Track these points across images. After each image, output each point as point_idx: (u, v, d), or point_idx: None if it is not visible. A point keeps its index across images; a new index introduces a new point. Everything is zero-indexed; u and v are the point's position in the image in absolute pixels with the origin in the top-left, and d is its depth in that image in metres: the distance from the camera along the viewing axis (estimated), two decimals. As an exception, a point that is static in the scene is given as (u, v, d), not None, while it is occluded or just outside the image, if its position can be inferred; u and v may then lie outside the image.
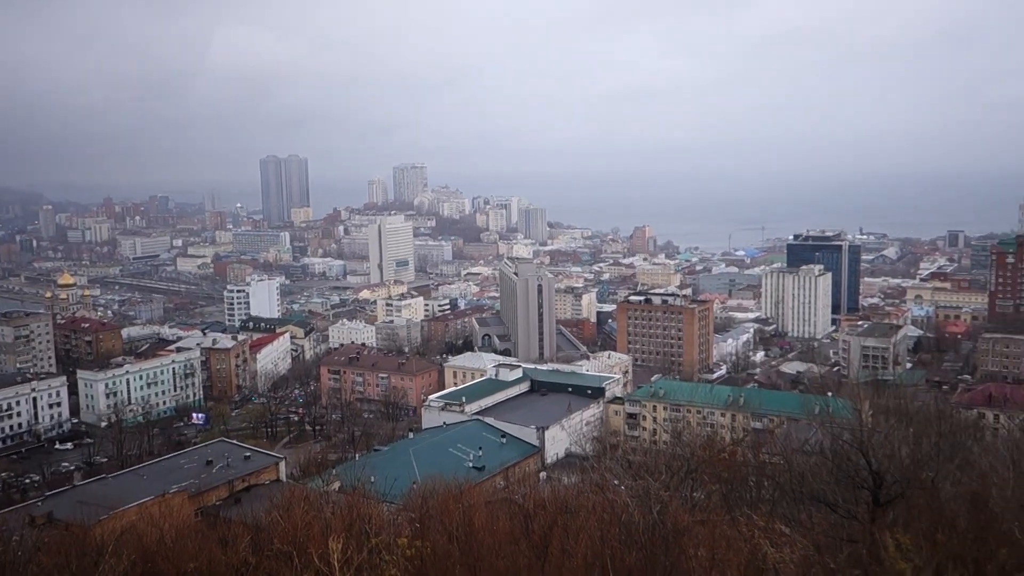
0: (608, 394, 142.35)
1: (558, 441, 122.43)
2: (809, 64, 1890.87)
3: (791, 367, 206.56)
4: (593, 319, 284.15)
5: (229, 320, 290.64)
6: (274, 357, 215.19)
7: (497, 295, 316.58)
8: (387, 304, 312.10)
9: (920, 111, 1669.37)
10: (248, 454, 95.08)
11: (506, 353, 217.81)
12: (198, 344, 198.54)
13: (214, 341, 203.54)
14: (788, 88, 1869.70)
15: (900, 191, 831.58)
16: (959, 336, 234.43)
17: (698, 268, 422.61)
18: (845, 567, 15.19)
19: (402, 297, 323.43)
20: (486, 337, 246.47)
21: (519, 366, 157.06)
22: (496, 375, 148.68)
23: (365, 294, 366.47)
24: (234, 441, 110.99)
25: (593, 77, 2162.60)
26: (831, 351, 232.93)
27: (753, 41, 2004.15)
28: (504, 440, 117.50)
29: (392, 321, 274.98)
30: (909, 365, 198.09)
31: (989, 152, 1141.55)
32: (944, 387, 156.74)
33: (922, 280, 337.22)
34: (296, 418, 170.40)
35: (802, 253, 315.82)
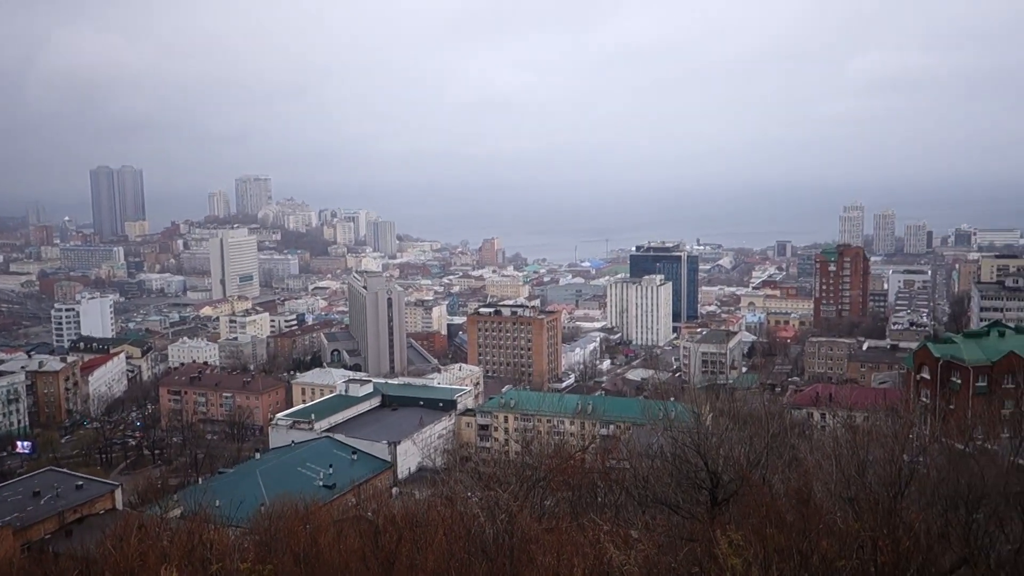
0: (460, 406, 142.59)
1: (410, 455, 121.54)
2: (655, 80, 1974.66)
3: (636, 374, 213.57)
4: (444, 332, 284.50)
5: (57, 341, 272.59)
6: (108, 379, 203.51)
7: (346, 309, 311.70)
8: (231, 321, 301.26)
9: (754, 126, 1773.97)
10: (80, 483, 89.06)
11: (356, 368, 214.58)
12: (23, 367, 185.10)
13: (40, 363, 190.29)
14: (635, 103, 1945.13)
15: (734, 203, 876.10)
16: (788, 340, 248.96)
17: (546, 279, 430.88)
18: (684, 565, 15.82)
19: (246, 313, 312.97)
20: (335, 352, 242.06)
21: (370, 381, 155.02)
22: (346, 391, 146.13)
23: (207, 311, 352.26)
24: (64, 470, 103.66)
25: (447, 88, 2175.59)
26: (673, 358, 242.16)
27: (603, 57, 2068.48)
28: (355, 457, 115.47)
29: (236, 338, 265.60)
30: (744, 369, 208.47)
31: (815, 166, 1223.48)
32: (776, 389, 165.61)
33: (754, 288, 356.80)
34: (134, 443, 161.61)
35: (644, 264, 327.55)
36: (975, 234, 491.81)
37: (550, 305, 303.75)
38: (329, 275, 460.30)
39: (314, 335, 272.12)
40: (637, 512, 29.65)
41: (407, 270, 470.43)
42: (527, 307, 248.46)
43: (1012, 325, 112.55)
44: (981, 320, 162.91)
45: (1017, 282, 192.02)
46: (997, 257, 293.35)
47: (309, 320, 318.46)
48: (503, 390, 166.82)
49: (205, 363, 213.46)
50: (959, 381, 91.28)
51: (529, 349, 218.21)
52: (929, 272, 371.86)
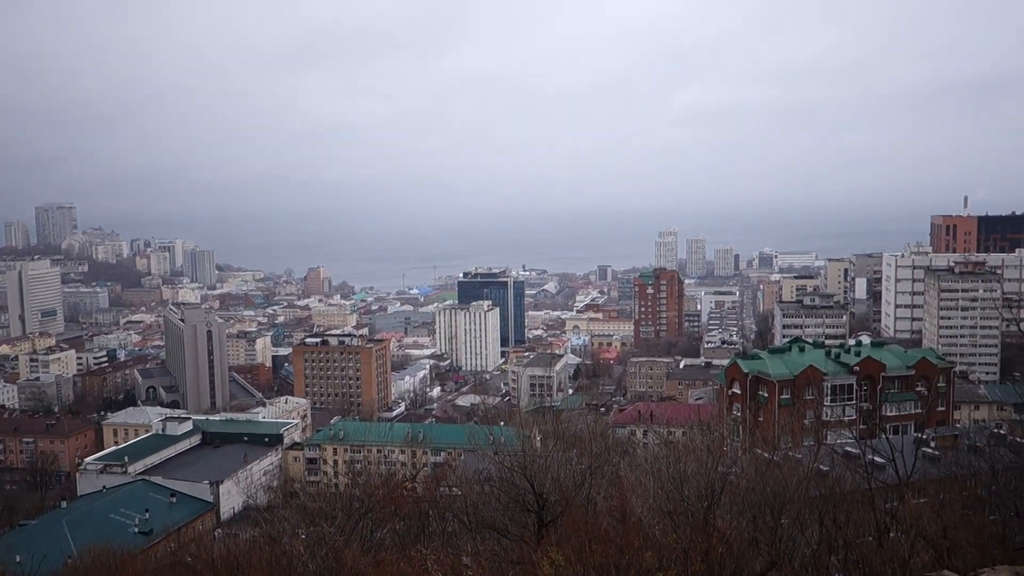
0: (287, 440, 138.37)
1: (234, 495, 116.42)
2: (495, 109, 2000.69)
3: (466, 400, 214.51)
4: (269, 364, 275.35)
5: None
6: None
7: (162, 344, 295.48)
8: (31, 360, 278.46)
9: (585, 155, 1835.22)
10: None
11: (174, 405, 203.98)
12: None
13: None
14: (475, 130, 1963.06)
15: (562, 229, 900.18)
16: (612, 361, 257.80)
17: (374, 308, 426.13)
18: (511, 589, 15.93)
19: (50, 351, 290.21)
20: (151, 389, 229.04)
21: (189, 418, 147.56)
22: (163, 429, 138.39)
23: (4, 349, 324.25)
24: None
25: (285, 114, 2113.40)
26: (502, 382, 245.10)
27: (446, 84, 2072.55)
28: (174, 499, 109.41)
29: (38, 378, 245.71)
30: (571, 391, 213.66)
31: (636, 193, 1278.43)
32: (601, 409, 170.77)
33: (578, 312, 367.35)
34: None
35: (472, 290, 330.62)
36: (777, 257, 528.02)
37: (379, 333, 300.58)
38: (143, 308, 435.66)
39: (127, 372, 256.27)
40: (467, 538, 29.63)
41: (228, 301, 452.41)
42: (355, 336, 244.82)
43: (810, 340, 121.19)
44: (784, 336, 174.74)
45: (814, 301, 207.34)
46: (796, 278, 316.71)
47: (121, 356, 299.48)
48: (332, 422, 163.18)
49: (2, 406, 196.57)
50: (766, 394, 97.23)
51: (358, 379, 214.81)
52: (737, 293, 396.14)
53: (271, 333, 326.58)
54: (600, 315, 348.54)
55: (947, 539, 14.06)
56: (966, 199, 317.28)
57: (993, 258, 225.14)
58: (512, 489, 26.57)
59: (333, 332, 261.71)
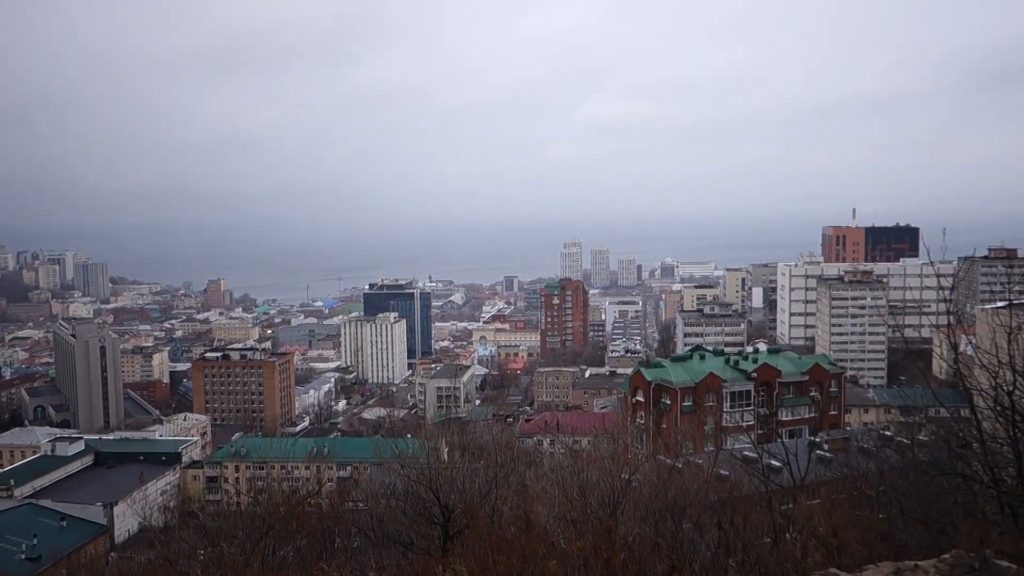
0: (185, 458, 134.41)
1: (129, 517, 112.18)
2: (404, 120, 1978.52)
3: (372, 413, 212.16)
4: (167, 380, 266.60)
5: None
6: None
7: (52, 361, 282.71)
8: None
9: (493, 167, 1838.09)
10: None
11: (65, 425, 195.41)
12: None
13: None
14: (384, 141, 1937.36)
15: (469, 240, 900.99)
16: (518, 372, 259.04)
17: (277, 321, 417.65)
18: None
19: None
20: (39, 409, 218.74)
21: (81, 438, 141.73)
22: (52, 450, 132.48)
23: None
24: None
25: (182, 123, 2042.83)
26: (409, 394, 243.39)
27: (355, 95, 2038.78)
28: (64, 523, 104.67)
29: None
30: (478, 402, 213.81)
31: (542, 204, 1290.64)
32: (508, 419, 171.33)
33: (485, 322, 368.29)
34: None
35: (378, 301, 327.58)
36: (678, 267, 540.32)
37: (282, 347, 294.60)
38: (31, 323, 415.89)
39: (13, 391, 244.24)
40: (372, 553, 29.29)
41: (123, 315, 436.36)
42: (257, 350, 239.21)
43: (711, 348, 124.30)
44: (685, 345, 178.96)
45: (714, 310, 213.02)
46: (697, 288, 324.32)
47: (7, 374, 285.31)
48: (233, 438, 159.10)
49: None
50: (669, 402, 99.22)
51: (260, 394, 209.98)
52: (640, 302, 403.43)
53: (169, 348, 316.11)
54: (507, 326, 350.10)
55: (837, 538, 14.66)
56: (854, 211, 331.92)
57: (879, 267, 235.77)
58: (418, 502, 26.41)
59: (234, 346, 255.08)
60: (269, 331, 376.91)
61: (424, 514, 26.01)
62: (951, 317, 19.06)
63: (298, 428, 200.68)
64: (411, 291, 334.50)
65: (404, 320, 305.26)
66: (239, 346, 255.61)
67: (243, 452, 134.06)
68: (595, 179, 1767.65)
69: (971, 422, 17.31)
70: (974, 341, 19.82)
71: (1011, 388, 15.88)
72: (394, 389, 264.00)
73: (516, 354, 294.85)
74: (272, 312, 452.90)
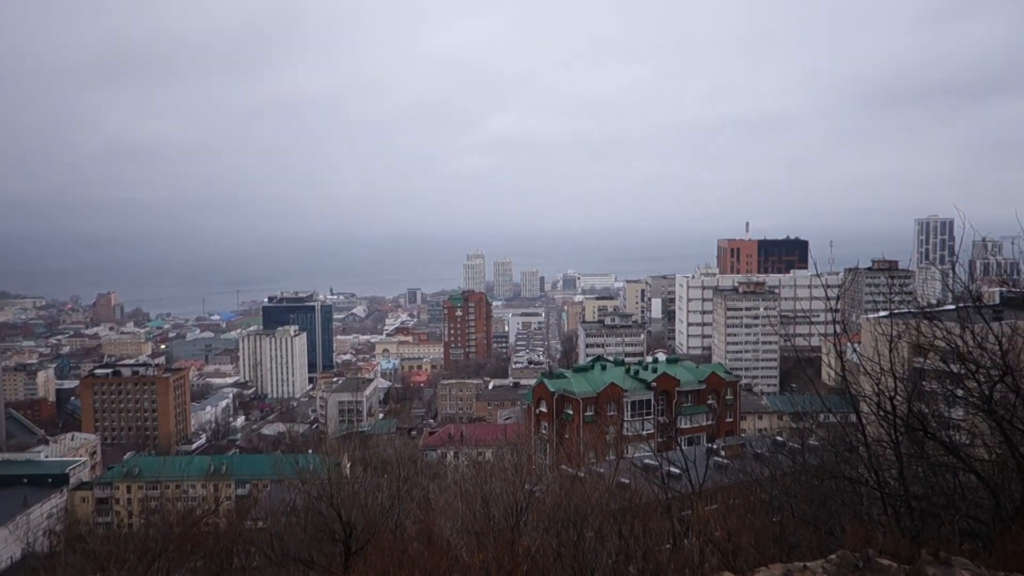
0: (73, 480, 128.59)
1: (11, 543, 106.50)
2: (306, 132, 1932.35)
3: (272, 428, 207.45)
4: (52, 398, 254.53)
5: None
6: None
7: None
8: None
9: (395, 180, 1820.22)
10: None
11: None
12: None
13: None
14: (285, 153, 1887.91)
15: (370, 252, 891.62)
16: (422, 384, 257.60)
17: (171, 335, 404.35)
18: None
19: None
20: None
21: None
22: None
23: None
24: None
25: (73, 131, 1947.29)
26: (310, 409, 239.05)
27: (255, 105, 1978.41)
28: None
29: None
30: (381, 415, 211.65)
31: (445, 216, 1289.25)
32: (412, 432, 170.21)
33: (388, 335, 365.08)
34: None
35: (278, 315, 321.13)
36: (580, 279, 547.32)
37: (177, 362, 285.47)
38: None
39: None
40: (272, 572, 28.63)
41: (4, 331, 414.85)
42: (150, 366, 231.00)
43: (612, 359, 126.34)
44: (587, 355, 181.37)
45: (614, 320, 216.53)
46: (598, 299, 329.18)
47: None
48: (125, 458, 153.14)
49: None
50: (571, 412, 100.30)
51: (154, 411, 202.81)
52: (543, 314, 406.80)
53: (55, 365, 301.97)
54: (410, 338, 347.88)
55: (731, 542, 15.08)
56: (747, 225, 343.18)
57: (772, 279, 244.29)
58: (318, 519, 25.94)
59: (126, 362, 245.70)
60: (163, 346, 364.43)
61: (325, 531, 25.58)
62: (837, 326, 19.88)
63: (194, 446, 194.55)
64: (312, 304, 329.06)
65: (305, 333, 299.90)
66: (131, 362, 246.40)
67: (135, 472, 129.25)
68: (499, 192, 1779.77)
69: (857, 427, 18.06)
70: (858, 349, 20.74)
71: (892, 394, 16.65)
72: (295, 404, 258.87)
73: (420, 366, 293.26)
74: (166, 326, 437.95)
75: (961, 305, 18.53)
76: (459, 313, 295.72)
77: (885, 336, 17.95)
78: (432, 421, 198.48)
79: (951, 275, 20.37)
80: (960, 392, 17.15)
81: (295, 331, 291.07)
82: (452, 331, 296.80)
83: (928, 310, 18.81)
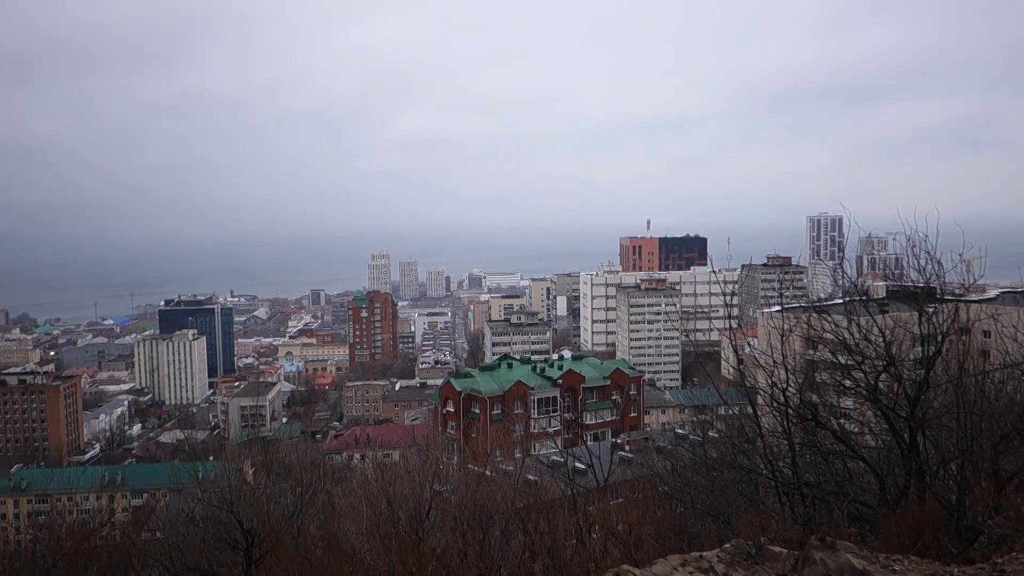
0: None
1: None
2: (208, 131, 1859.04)
3: (171, 436, 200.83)
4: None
5: None
6: None
7: None
8: None
9: (302, 180, 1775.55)
10: None
11: None
12: None
13: None
14: (186, 152, 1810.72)
15: (272, 253, 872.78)
16: (327, 387, 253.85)
17: (61, 341, 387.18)
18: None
19: None
20: None
21: None
22: None
23: None
24: None
25: None
26: (211, 415, 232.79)
27: (160, 103, 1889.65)
28: None
29: None
30: (285, 419, 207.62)
31: (351, 216, 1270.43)
32: (317, 436, 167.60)
33: (291, 338, 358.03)
34: None
35: (175, 318, 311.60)
36: (485, 278, 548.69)
37: (68, 369, 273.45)
38: None
39: None
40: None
41: None
42: (39, 374, 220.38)
43: (518, 357, 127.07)
44: (493, 354, 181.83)
45: (520, 319, 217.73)
46: (504, 298, 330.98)
47: None
48: (12, 471, 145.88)
49: None
50: (478, 411, 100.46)
51: (43, 421, 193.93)
52: (449, 313, 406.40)
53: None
54: (314, 340, 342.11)
55: (633, 535, 15.36)
56: (648, 223, 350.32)
57: (672, 275, 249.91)
58: (219, 528, 25.28)
59: (11, 371, 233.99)
60: (52, 353, 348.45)
61: (226, 540, 24.94)
62: (731, 321, 20.46)
63: (87, 456, 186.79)
64: (211, 307, 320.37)
65: (204, 337, 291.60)
66: (17, 370, 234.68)
67: (23, 485, 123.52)
68: (408, 192, 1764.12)
69: (753, 419, 18.64)
70: (754, 343, 21.39)
71: (785, 386, 17.25)
72: (194, 410, 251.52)
73: (324, 369, 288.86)
74: (56, 332, 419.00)
75: (848, 299, 19.28)
76: (364, 314, 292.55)
77: (778, 330, 18.57)
78: (338, 424, 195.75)
79: (839, 271, 21.18)
80: (848, 383, 17.88)
81: (194, 335, 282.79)
82: (357, 332, 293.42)
83: (818, 304, 19.52)
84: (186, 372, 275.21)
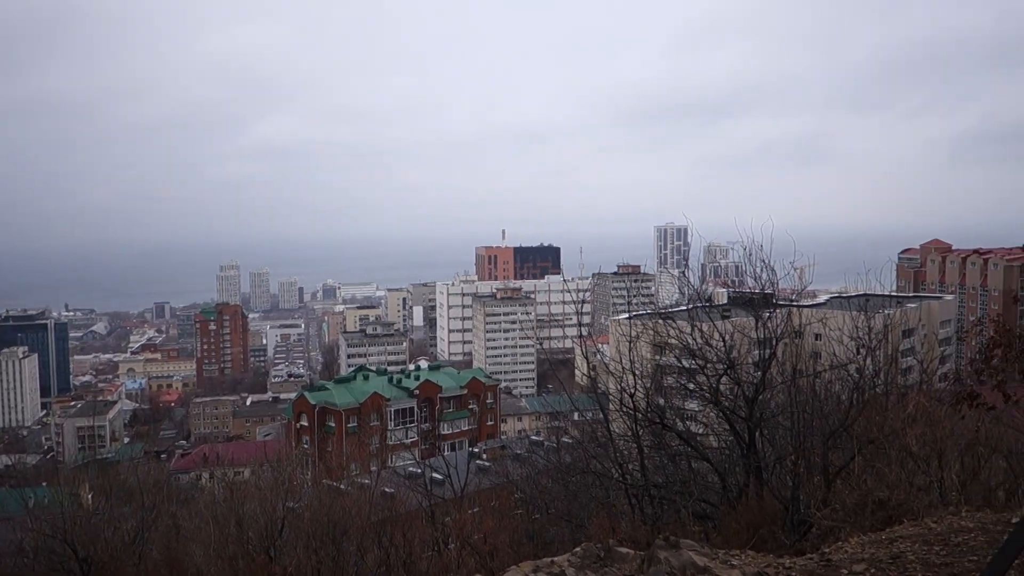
0: None
1: None
2: (57, 136, 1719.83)
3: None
4: None
5: None
6: None
7: None
8: None
9: (150, 188, 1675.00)
10: None
11: None
12: None
13: None
14: (22, 160, 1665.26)
15: (112, 264, 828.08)
16: (173, 404, 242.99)
17: None
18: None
19: None
20: None
21: None
22: None
23: None
24: None
25: None
26: (44, 437, 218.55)
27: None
28: None
29: None
30: (127, 439, 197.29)
31: (201, 227, 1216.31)
32: (163, 456, 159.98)
33: (134, 353, 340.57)
34: None
35: (3, 335, 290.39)
36: (340, 288, 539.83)
37: None
38: None
39: None
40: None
41: None
42: None
43: (374, 368, 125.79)
44: (349, 366, 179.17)
45: (376, 330, 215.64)
46: (359, 308, 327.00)
47: None
48: None
49: None
50: (334, 424, 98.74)
51: None
52: (303, 325, 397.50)
53: None
54: (159, 355, 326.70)
55: (488, 544, 15.44)
56: (504, 232, 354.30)
57: (528, 284, 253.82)
58: (51, 558, 23.68)
59: None
60: None
61: (59, 571, 23.40)
62: (584, 329, 20.96)
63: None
64: (44, 322, 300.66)
65: (36, 355, 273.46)
66: None
67: None
68: (263, 201, 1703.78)
69: (604, 423, 19.11)
70: (604, 350, 21.95)
71: (633, 391, 17.78)
72: (25, 433, 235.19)
73: (170, 385, 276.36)
74: None
75: (692, 306, 20.10)
76: (213, 327, 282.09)
77: (626, 337, 19.14)
78: (184, 443, 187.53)
79: (683, 278, 22.06)
80: (692, 386, 18.63)
81: (24, 352, 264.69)
82: (205, 346, 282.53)
83: (664, 311, 20.23)
84: (15, 392, 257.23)
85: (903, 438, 13.21)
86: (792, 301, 21.54)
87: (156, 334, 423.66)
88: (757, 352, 18.31)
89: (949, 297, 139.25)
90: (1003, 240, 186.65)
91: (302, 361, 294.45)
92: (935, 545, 6.92)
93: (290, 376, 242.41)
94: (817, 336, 24.52)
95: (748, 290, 19.60)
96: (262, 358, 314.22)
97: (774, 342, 17.59)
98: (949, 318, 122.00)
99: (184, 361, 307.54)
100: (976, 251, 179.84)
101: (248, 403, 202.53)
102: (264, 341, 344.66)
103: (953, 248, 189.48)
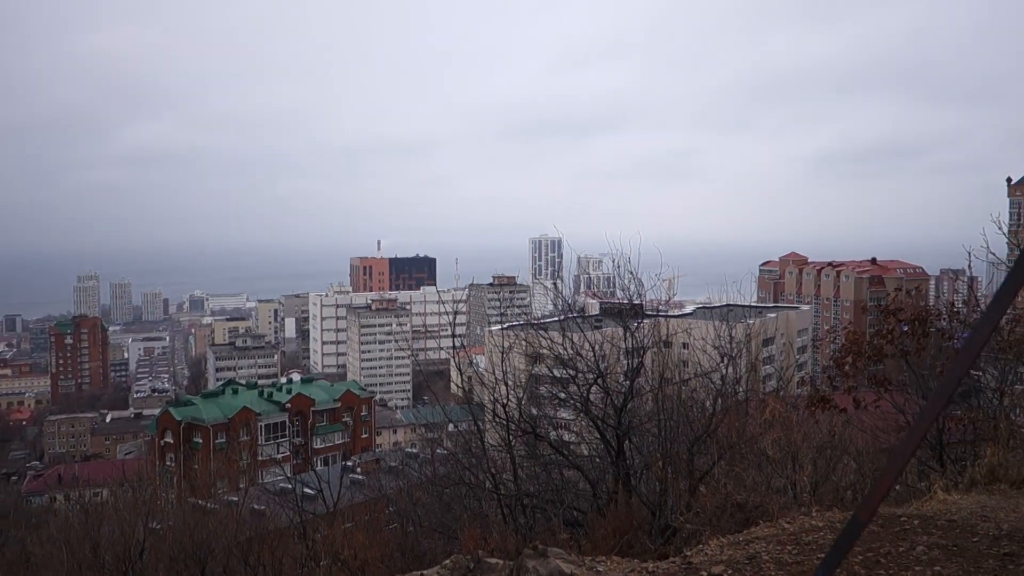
0: None
1: None
2: None
3: None
4: None
5: None
6: None
7: None
8: None
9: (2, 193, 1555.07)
10: None
11: None
12: None
13: None
14: None
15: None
16: (24, 423, 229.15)
17: None
18: None
19: None
20: None
21: None
22: None
23: None
24: None
25: None
26: None
27: None
28: None
29: None
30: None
31: (58, 235, 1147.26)
32: (13, 478, 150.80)
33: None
34: None
35: None
36: (208, 300, 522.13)
37: None
38: None
39: None
40: None
41: None
42: None
43: (244, 382, 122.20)
44: (217, 380, 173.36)
45: (246, 342, 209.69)
46: (229, 320, 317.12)
47: None
48: None
49: None
50: (200, 440, 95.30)
51: None
52: (168, 338, 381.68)
53: None
54: (9, 371, 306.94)
55: (359, 559, 15.20)
56: (379, 243, 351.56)
57: (403, 295, 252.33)
58: None
59: None
60: None
61: None
62: (457, 340, 20.98)
63: None
64: None
65: None
66: None
67: None
68: (129, 209, 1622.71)
69: (478, 434, 19.15)
70: (479, 361, 22.03)
71: (506, 401, 17.91)
72: None
73: (21, 403, 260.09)
74: None
75: (564, 316, 20.43)
76: (69, 340, 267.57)
77: (500, 347, 19.27)
78: (37, 463, 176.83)
79: (556, 290, 22.39)
80: (564, 395, 18.93)
81: None
82: (61, 361, 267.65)
83: (537, 322, 20.48)
84: None
85: (761, 442, 13.80)
86: (659, 312, 22.20)
87: (7, 348, 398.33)
88: (626, 362, 18.76)
89: (805, 307, 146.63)
90: (856, 253, 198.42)
91: (167, 376, 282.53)
92: (788, 544, 7.24)
93: (154, 391, 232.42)
94: (684, 345, 25.33)
95: (618, 301, 20.07)
96: (123, 373, 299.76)
97: (642, 352, 18.07)
98: (805, 327, 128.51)
99: (38, 377, 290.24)
100: (830, 263, 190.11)
101: (108, 420, 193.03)
102: (126, 355, 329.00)
103: (809, 261, 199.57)
